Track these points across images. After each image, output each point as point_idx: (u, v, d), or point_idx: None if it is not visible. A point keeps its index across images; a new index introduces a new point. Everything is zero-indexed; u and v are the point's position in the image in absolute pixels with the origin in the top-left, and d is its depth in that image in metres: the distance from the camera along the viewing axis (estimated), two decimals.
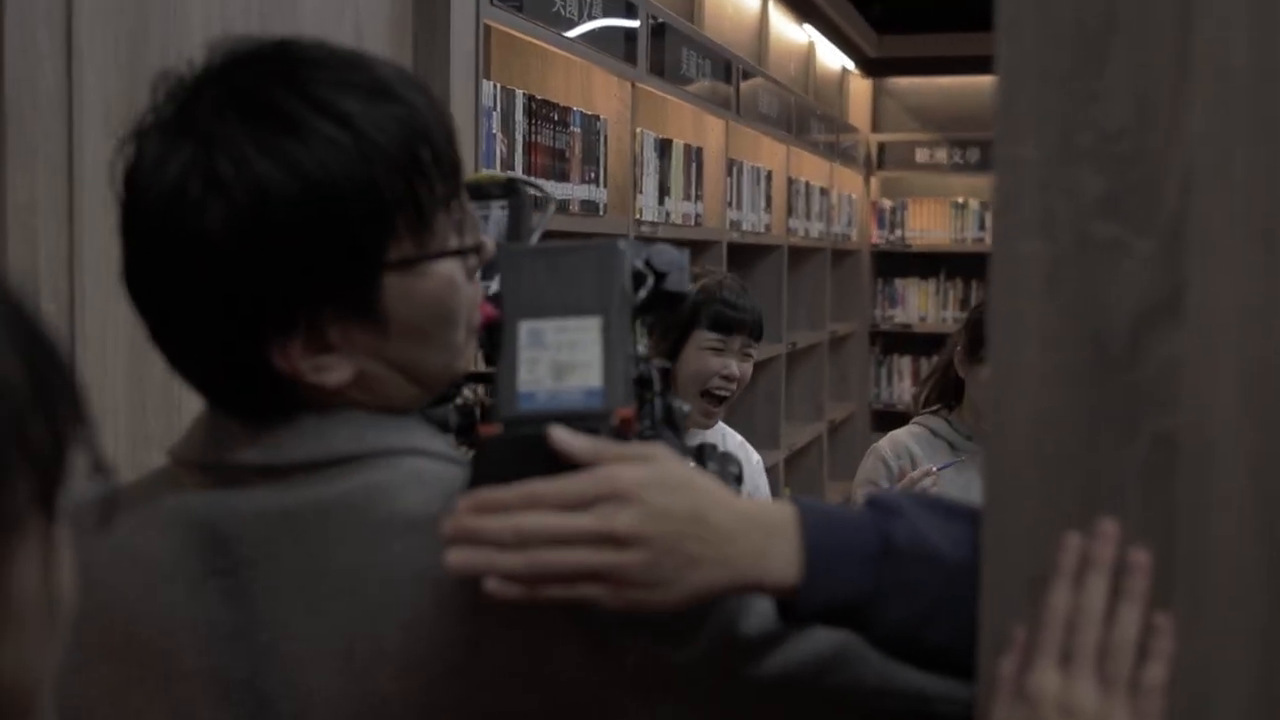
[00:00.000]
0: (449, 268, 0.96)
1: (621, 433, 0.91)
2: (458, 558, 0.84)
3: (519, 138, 3.02)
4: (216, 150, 0.88)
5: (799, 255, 6.11)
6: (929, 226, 7.65)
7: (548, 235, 1.17)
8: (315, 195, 0.88)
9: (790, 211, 5.77)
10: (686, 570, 0.86)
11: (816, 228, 6.35)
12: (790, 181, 5.78)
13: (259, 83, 0.91)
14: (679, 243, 4.66)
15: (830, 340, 6.56)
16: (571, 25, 3.23)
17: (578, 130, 3.38)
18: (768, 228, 5.40)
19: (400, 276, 0.93)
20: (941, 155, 7.61)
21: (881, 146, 7.77)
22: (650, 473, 0.88)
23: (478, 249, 0.99)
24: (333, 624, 0.92)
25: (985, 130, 7.55)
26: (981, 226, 7.53)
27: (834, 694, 0.93)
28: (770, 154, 5.59)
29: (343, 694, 0.92)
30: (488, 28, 2.79)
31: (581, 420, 0.91)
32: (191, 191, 0.88)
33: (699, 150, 4.45)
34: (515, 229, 1.21)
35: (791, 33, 6.28)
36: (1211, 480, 0.85)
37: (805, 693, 0.93)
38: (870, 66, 7.75)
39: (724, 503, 0.91)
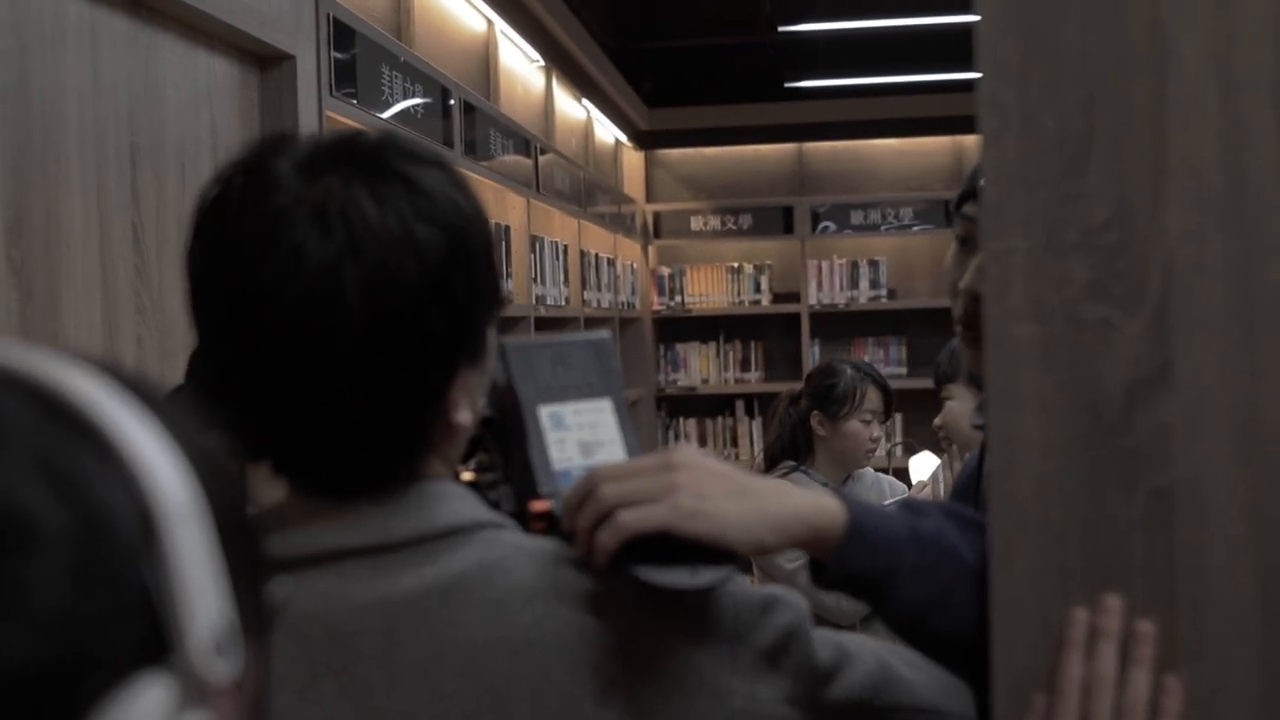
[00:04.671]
0: None
1: None
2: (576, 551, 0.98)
3: None
4: (420, 191, 0.94)
5: (592, 325, 6.23)
6: (707, 291, 7.89)
7: None
8: (485, 227, 0.98)
9: (584, 283, 5.90)
10: (738, 497, 0.99)
11: (606, 298, 6.49)
12: (582, 254, 5.91)
13: (389, 152, 0.96)
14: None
15: None
16: (386, 107, 3.28)
17: None
18: (567, 300, 5.52)
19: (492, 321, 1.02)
20: (715, 222, 7.87)
21: (657, 216, 8.00)
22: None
23: None
24: (459, 704, 0.93)
25: (754, 197, 7.88)
26: (757, 289, 7.82)
27: (881, 713, 1.03)
28: (563, 228, 5.71)
29: None
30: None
31: None
32: (417, 231, 0.92)
33: (507, 228, 4.53)
34: None
35: (571, 109, 6.43)
36: (1207, 526, 0.98)
37: (863, 714, 1.03)
38: (642, 139, 7.99)
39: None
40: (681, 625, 0.98)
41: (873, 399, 3.39)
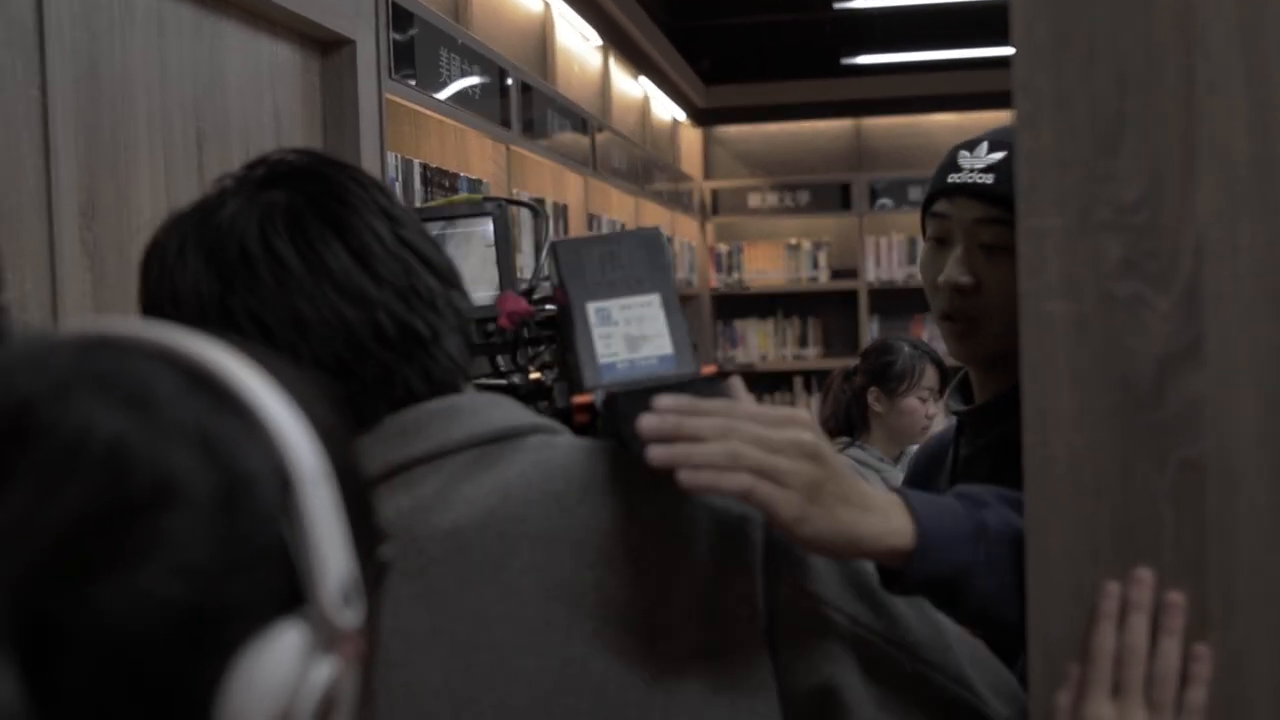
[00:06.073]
0: None
1: (712, 382, 1.04)
2: (659, 453, 0.94)
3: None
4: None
5: None
6: (765, 268, 7.91)
7: None
8: None
9: None
10: (840, 504, 0.99)
11: None
12: None
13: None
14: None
15: None
16: (444, 89, 3.33)
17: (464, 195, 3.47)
18: None
19: None
20: (773, 199, 7.88)
21: (715, 193, 8.02)
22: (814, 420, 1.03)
23: None
24: (529, 599, 0.97)
25: (811, 173, 7.87)
26: (815, 266, 7.83)
27: (920, 672, 1.04)
28: (620, 206, 5.75)
29: (542, 669, 0.97)
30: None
31: (667, 381, 1.05)
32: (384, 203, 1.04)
33: (565, 207, 4.57)
34: (502, 237, 1.37)
35: (628, 86, 6.47)
36: (1236, 497, 1.01)
37: (897, 660, 1.04)
38: (700, 116, 8.00)
39: None
40: (727, 512, 1.01)
41: (930, 376, 3.44)
